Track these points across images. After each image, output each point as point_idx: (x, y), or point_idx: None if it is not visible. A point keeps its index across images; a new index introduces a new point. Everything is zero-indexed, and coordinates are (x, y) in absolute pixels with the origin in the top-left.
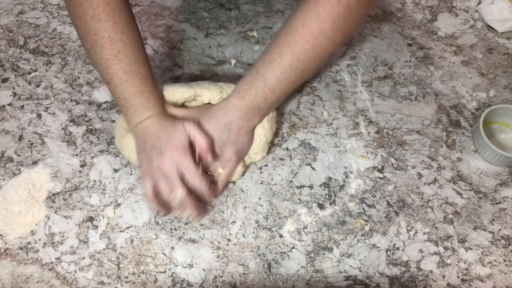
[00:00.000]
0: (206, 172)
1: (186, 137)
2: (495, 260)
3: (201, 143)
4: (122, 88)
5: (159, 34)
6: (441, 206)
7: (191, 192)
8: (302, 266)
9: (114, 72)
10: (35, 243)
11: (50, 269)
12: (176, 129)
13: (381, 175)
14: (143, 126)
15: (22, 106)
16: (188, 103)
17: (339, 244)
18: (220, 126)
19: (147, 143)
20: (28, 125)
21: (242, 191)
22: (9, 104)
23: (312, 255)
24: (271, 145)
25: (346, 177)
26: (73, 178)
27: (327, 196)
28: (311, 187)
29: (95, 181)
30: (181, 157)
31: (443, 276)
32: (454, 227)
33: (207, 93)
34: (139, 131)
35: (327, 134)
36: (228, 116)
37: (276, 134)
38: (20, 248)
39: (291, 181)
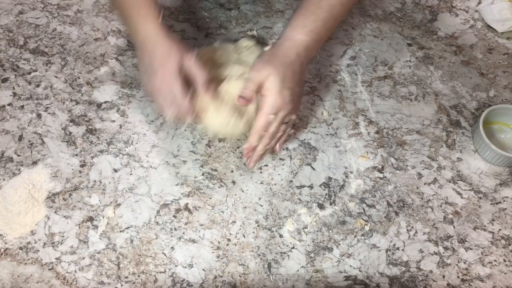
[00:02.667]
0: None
1: (178, 63)
2: (495, 260)
3: (200, 78)
4: (123, 7)
5: None
6: (441, 206)
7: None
8: (302, 266)
9: None
10: (35, 243)
11: (50, 269)
12: (170, 54)
13: (381, 175)
14: (142, 41)
15: (22, 106)
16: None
17: (339, 244)
18: (295, 70)
19: (145, 60)
20: (28, 125)
21: (242, 191)
22: (9, 104)
23: (312, 255)
24: None
25: (346, 177)
26: (73, 178)
27: (327, 196)
28: (311, 187)
29: (95, 181)
30: (169, 80)
31: (443, 276)
32: (454, 227)
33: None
34: (139, 46)
35: (327, 134)
36: (298, 57)
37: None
38: (20, 248)
39: (291, 181)
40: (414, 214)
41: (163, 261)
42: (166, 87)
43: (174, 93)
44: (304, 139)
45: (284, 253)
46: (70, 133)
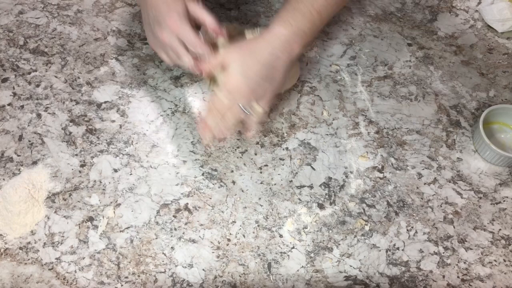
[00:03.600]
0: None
1: (184, 8)
2: (495, 260)
3: (210, 20)
4: None
5: None
6: (441, 206)
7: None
8: (302, 266)
9: None
10: (35, 243)
11: (50, 269)
12: (175, 1)
13: (381, 175)
14: None
15: (22, 106)
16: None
17: (339, 244)
18: (260, 60)
19: (150, 14)
20: (28, 125)
21: (242, 191)
22: (9, 104)
23: (312, 255)
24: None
25: (346, 177)
26: (73, 178)
27: (327, 196)
28: (311, 187)
29: (95, 181)
30: (178, 27)
31: (443, 276)
32: (454, 227)
33: None
34: (143, 1)
35: (327, 134)
36: (270, 48)
37: (276, 134)
38: (20, 248)
39: (291, 181)
40: (414, 214)
41: (163, 261)
42: (177, 33)
43: (186, 37)
44: (304, 139)
45: (284, 253)
46: (70, 133)
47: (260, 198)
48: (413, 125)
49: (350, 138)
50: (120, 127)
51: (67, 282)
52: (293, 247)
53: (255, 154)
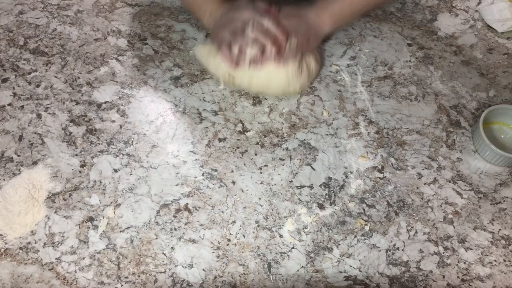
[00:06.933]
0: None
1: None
2: (495, 260)
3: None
4: None
5: (159, 34)
6: (441, 206)
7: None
8: (302, 266)
9: None
10: (35, 243)
11: (50, 269)
12: (240, 3)
13: (381, 175)
14: (215, 13)
15: (22, 106)
16: None
17: (339, 244)
18: (297, 18)
19: (221, 19)
20: (28, 125)
21: (242, 191)
22: (9, 104)
23: (312, 255)
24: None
25: (346, 177)
26: (73, 178)
27: (327, 196)
28: (311, 187)
29: (95, 181)
30: (249, 11)
31: (443, 276)
32: (454, 227)
33: None
34: (213, 19)
35: (327, 134)
36: (307, 13)
37: (276, 134)
38: (20, 248)
39: (291, 181)
40: (414, 214)
41: (163, 261)
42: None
43: (257, 10)
44: (304, 139)
45: (284, 253)
46: (70, 133)
47: (260, 198)
48: (413, 125)
49: (350, 138)
50: (120, 127)
51: (67, 282)
52: (293, 247)
53: (255, 154)
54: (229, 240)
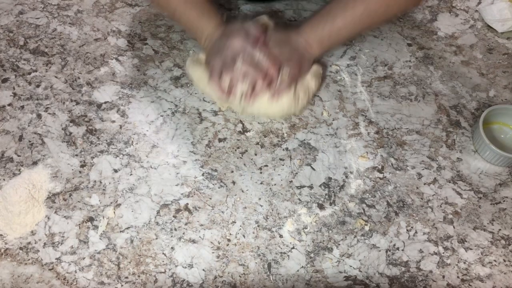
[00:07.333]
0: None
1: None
2: (495, 260)
3: (254, 28)
4: (185, 15)
5: (159, 34)
6: (441, 206)
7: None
8: (302, 266)
9: (175, 4)
10: (35, 243)
11: (50, 269)
12: (236, 27)
13: (381, 175)
14: (211, 37)
15: (22, 106)
16: None
17: (339, 244)
18: (287, 45)
19: (215, 45)
20: (28, 125)
21: (242, 191)
22: (9, 104)
23: (312, 255)
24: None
25: (346, 177)
26: (73, 178)
27: (327, 196)
28: (311, 187)
29: (95, 181)
30: (244, 39)
31: (443, 276)
32: (454, 227)
33: None
34: (208, 43)
35: (327, 134)
36: (296, 39)
37: (276, 134)
38: (20, 248)
39: (291, 181)
40: (414, 214)
41: (163, 261)
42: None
43: (250, 33)
44: (304, 139)
45: (284, 253)
46: (70, 133)
47: (260, 198)
48: (413, 125)
49: (350, 139)
50: (120, 127)
51: (67, 282)
52: (293, 247)
53: (255, 155)
54: (229, 240)
